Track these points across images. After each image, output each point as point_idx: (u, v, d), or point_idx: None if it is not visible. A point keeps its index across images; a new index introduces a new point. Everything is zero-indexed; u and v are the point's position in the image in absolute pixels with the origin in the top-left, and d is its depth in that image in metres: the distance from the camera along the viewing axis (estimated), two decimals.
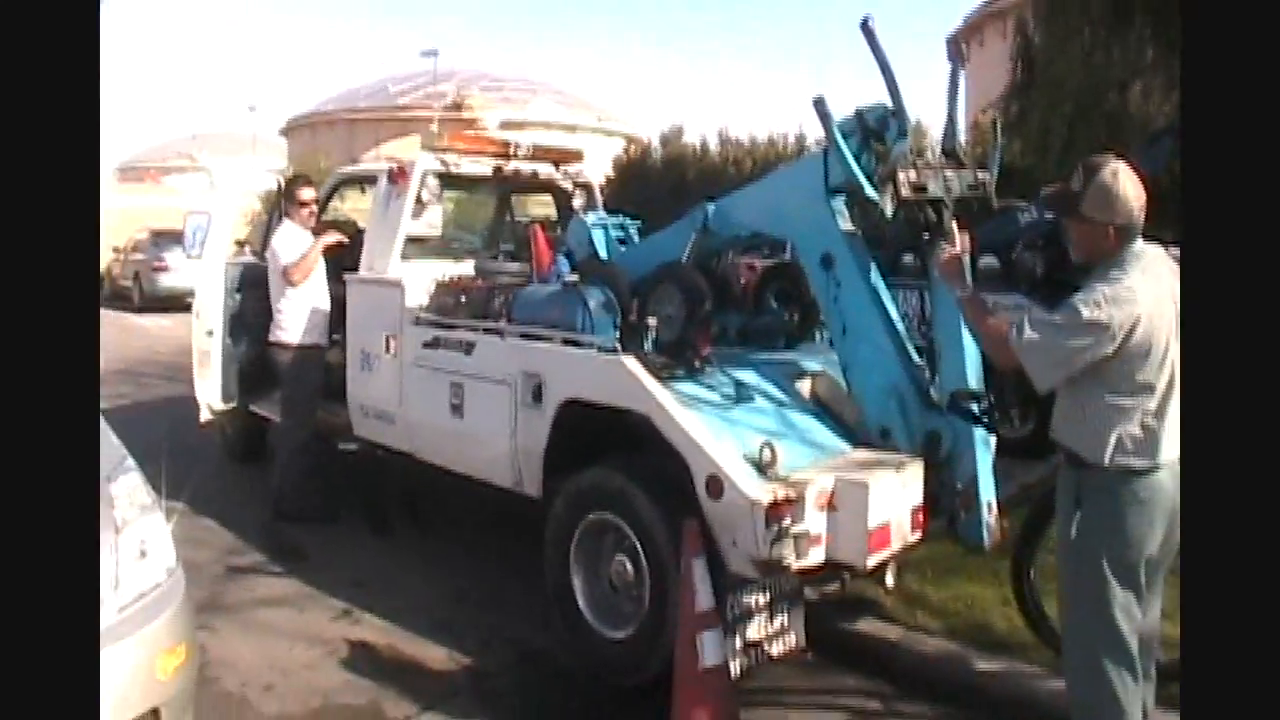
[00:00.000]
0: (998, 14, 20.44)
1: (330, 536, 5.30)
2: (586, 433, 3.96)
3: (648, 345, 4.02)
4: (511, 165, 5.72)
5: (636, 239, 5.00)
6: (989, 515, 3.69)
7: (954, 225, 3.63)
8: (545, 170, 6.06)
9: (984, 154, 4.35)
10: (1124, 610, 2.72)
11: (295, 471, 5.54)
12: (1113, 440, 2.68)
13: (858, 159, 3.78)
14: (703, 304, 4.06)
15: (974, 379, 3.69)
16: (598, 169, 12.04)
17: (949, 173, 3.76)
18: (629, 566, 3.70)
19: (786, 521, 3.28)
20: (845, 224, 3.94)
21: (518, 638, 4.12)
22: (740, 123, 53.79)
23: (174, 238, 14.48)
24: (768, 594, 3.63)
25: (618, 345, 3.92)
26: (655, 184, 15.29)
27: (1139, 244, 2.75)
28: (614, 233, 4.99)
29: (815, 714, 3.57)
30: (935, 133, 4.76)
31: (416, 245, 5.30)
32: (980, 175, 3.91)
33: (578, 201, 6.11)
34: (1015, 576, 3.73)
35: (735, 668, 3.45)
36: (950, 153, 3.95)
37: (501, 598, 4.53)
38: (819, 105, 3.70)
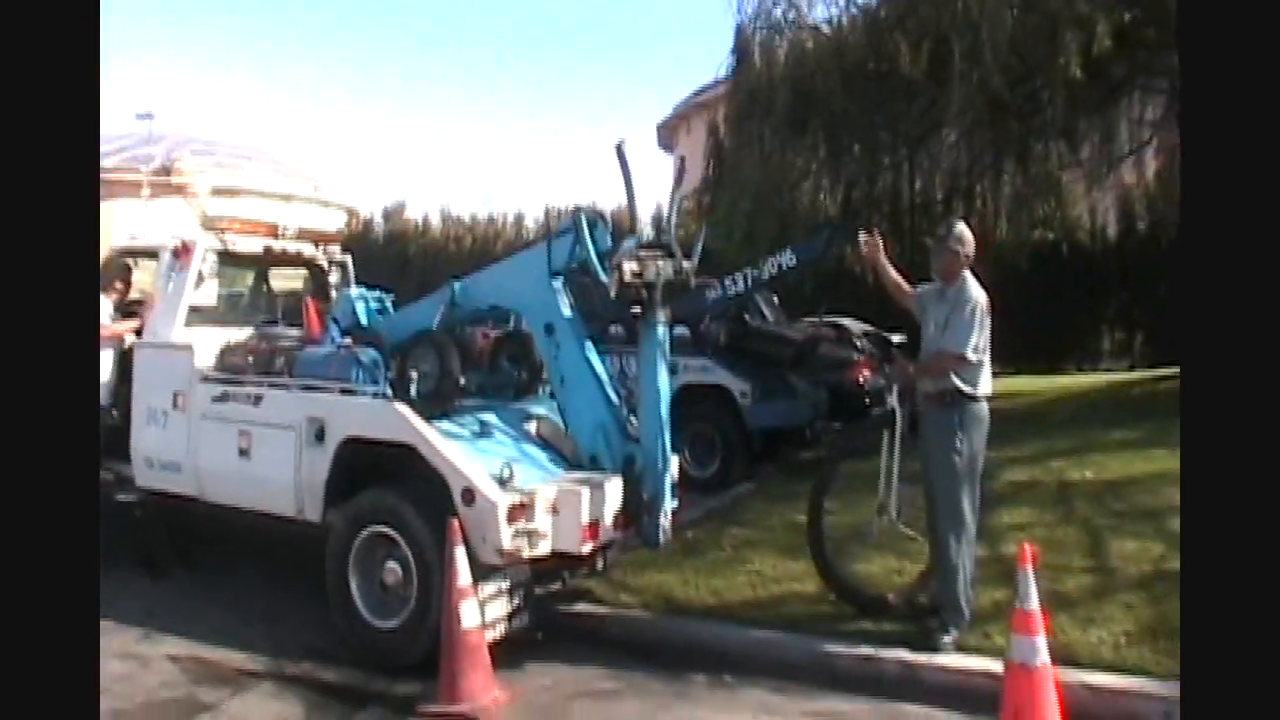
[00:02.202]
0: (703, 106, 22.81)
1: (110, 582, 5.75)
2: (359, 465, 4.94)
3: (412, 394, 5.06)
4: (279, 244, 6.58)
5: (392, 310, 6.03)
6: (665, 521, 5.03)
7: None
8: (307, 249, 6.94)
9: (686, 238, 5.53)
10: (972, 497, 4.56)
11: None
12: (987, 380, 4.56)
13: (572, 252, 5.10)
14: (453, 362, 5.18)
15: (665, 415, 5.02)
16: None
17: (661, 262, 5.00)
18: (399, 570, 4.71)
19: (522, 521, 4.48)
20: (564, 300, 5.21)
21: (304, 641, 4.98)
22: (462, 201, 54.75)
23: None
24: (507, 582, 4.74)
25: (388, 393, 4.95)
26: (378, 258, 15.82)
27: None
28: (373, 304, 6.01)
29: (547, 666, 4.71)
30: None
31: (196, 314, 6.03)
32: (686, 264, 5.12)
33: (334, 277, 7.04)
34: (813, 541, 5.04)
35: (487, 635, 4.53)
36: (663, 245, 5.11)
37: (281, 616, 5.35)
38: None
